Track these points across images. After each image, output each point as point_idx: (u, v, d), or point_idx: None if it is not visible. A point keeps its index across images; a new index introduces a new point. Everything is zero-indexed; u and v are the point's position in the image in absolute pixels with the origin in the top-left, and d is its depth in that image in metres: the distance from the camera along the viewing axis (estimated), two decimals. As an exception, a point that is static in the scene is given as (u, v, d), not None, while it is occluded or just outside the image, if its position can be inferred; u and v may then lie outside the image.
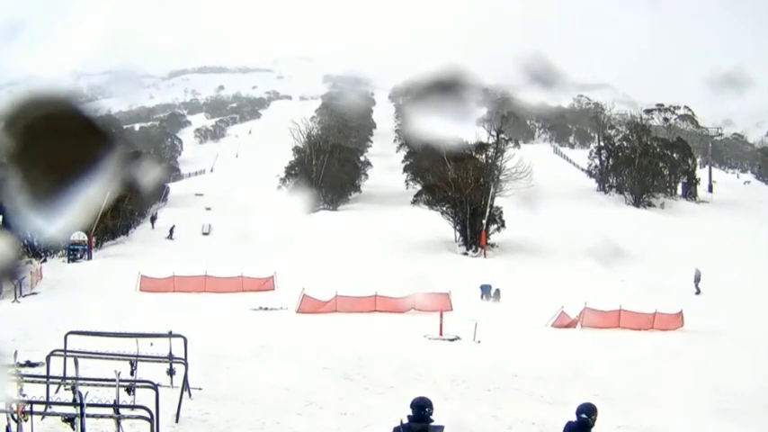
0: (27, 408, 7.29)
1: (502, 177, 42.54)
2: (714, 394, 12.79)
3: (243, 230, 35.09)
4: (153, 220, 44.71)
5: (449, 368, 14.16)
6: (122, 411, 7.71)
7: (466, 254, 38.54)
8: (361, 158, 60.86)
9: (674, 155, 55.81)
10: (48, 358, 9.76)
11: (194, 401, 10.47)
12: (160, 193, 52.40)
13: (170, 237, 41.61)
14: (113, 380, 8.38)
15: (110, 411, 7.65)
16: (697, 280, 28.31)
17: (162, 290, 25.27)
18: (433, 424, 6.51)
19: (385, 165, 59.01)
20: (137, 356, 10.39)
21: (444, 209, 40.86)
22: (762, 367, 15.32)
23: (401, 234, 37.59)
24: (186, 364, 10.23)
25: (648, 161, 52.65)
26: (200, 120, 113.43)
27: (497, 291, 25.33)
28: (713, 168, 63.23)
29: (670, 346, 18.04)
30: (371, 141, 75.22)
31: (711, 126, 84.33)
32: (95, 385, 8.61)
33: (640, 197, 51.10)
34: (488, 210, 39.50)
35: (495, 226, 39.58)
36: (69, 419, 7.37)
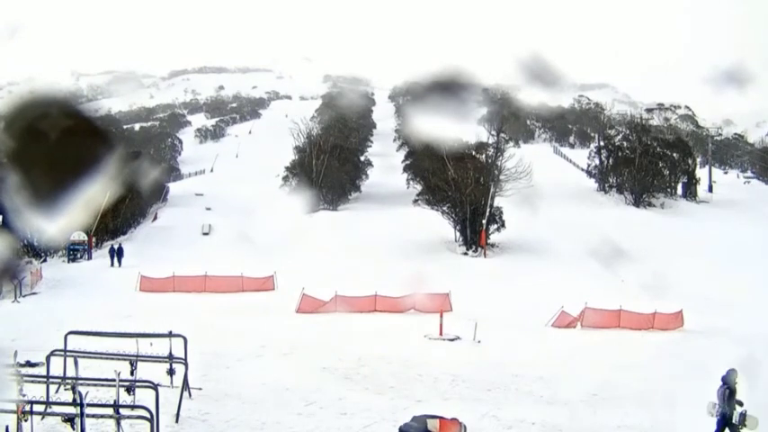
0: (27, 408, 7.30)
1: (502, 177, 42.47)
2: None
3: (243, 230, 35.05)
4: (115, 254, 33.54)
5: (449, 368, 14.15)
6: (122, 411, 7.72)
7: (466, 254, 38.53)
8: (362, 158, 60.83)
9: (674, 155, 55.78)
10: (48, 358, 9.75)
11: (194, 401, 10.47)
12: (160, 193, 52.42)
13: (113, 263, 33.05)
14: (113, 380, 8.39)
15: (110, 411, 7.66)
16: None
17: (162, 290, 25.26)
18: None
19: (385, 165, 58.95)
20: (137, 356, 10.39)
21: (444, 209, 40.85)
22: (762, 367, 15.31)
23: (401, 234, 37.56)
24: (186, 364, 10.23)
25: (648, 161, 52.59)
26: (200, 120, 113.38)
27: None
28: (713, 168, 63.22)
29: (670, 346, 18.04)
30: (371, 141, 75.13)
31: (711, 126, 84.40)
32: (95, 385, 8.62)
33: (640, 197, 51.05)
34: (488, 210, 39.49)
35: (495, 226, 39.56)
36: (69, 419, 7.38)
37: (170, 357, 10.72)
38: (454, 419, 7.58)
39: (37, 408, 7.53)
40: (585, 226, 37.31)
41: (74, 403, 7.46)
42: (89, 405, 7.44)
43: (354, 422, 10.26)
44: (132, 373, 9.77)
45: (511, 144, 52.49)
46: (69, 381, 8.99)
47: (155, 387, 8.28)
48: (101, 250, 36.58)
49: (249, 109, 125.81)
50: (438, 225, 39.78)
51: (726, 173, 64.56)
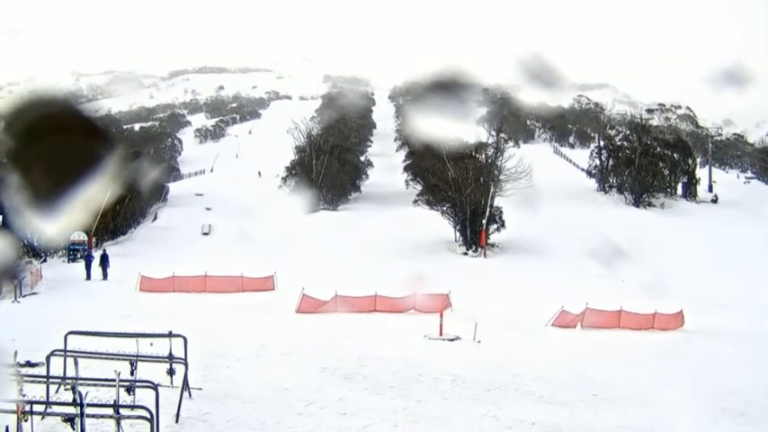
0: (27, 408, 7.29)
1: (502, 177, 42.49)
2: (714, 394, 12.79)
3: (243, 230, 35.06)
4: (99, 263, 29.37)
5: (449, 368, 14.14)
6: (122, 411, 7.71)
7: (466, 254, 38.53)
8: (362, 158, 60.88)
9: (675, 155, 55.81)
10: (48, 358, 9.74)
11: (194, 401, 10.46)
12: (160, 193, 52.43)
13: (89, 275, 28.88)
14: (113, 380, 8.38)
15: (110, 411, 7.65)
16: None
17: (162, 290, 25.24)
18: None
19: (385, 165, 58.98)
20: (137, 356, 10.37)
21: (444, 209, 40.86)
22: (762, 367, 15.34)
23: (401, 234, 37.57)
24: (186, 364, 10.22)
25: (648, 161, 52.63)
26: (200, 120, 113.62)
27: None
28: (713, 168, 63.23)
29: (670, 346, 18.04)
30: (371, 141, 75.25)
31: (711, 126, 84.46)
32: (95, 385, 8.61)
33: (640, 197, 51.06)
34: (488, 210, 39.49)
35: (495, 226, 39.57)
36: (69, 419, 7.37)
37: (170, 357, 10.71)
38: None
39: (37, 408, 7.52)
40: (585, 226, 37.33)
41: (74, 403, 7.45)
42: (89, 405, 7.43)
43: (354, 422, 10.25)
44: (132, 373, 9.75)
45: (511, 144, 52.55)
46: (69, 381, 8.97)
47: (155, 387, 8.28)
48: (98, 251, 36.53)
49: (249, 109, 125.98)
50: (438, 225, 39.78)
51: (727, 172, 64.53)
